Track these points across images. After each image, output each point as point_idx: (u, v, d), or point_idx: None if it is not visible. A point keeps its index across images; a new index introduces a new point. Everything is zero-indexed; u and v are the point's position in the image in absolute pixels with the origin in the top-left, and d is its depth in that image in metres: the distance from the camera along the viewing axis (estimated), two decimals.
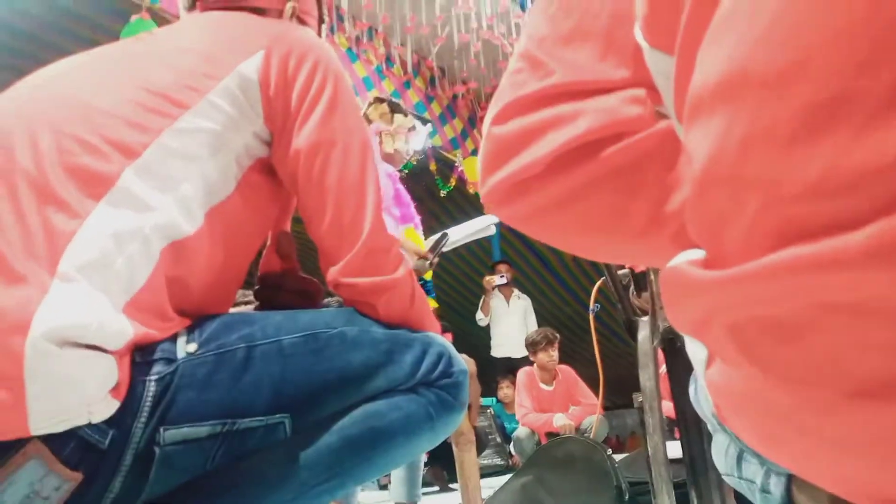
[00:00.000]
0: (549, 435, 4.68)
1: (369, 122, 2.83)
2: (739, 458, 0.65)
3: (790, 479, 0.55)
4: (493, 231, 2.54)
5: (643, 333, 1.51)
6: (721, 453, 0.69)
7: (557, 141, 0.47)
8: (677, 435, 2.37)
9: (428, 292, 2.74)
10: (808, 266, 0.30)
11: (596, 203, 0.48)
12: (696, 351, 0.45)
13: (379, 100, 2.90)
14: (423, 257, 2.40)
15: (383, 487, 5.41)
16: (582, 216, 0.49)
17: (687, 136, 0.38)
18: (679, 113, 0.42)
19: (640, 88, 0.48)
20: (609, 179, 0.47)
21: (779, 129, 0.31)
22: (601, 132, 0.47)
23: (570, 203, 0.48)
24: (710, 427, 0.74)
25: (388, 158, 2.81)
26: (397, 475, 2.59)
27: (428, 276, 2.65)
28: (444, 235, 2.43)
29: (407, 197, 2.81)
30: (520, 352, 5.79)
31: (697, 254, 0.43)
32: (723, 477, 0.71)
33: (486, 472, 4.66)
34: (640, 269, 1.77)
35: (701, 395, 0.66)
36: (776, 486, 0.57)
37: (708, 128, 0.35)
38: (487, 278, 6.06)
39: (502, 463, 5.53)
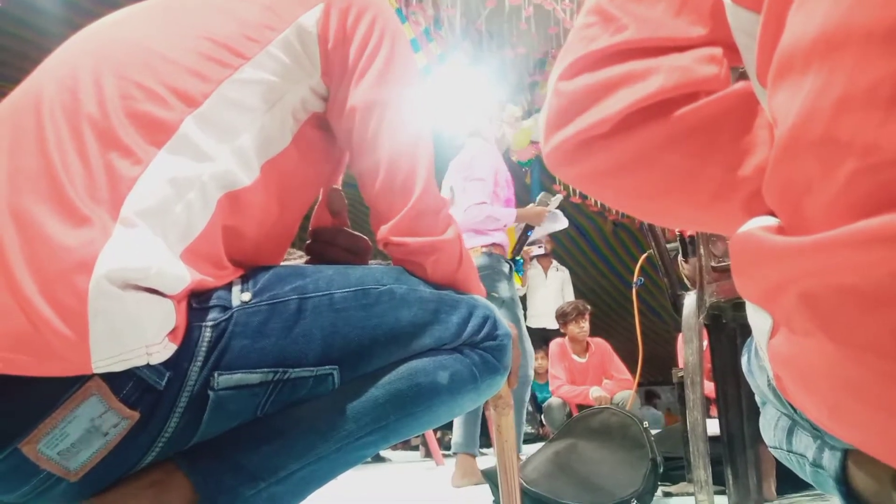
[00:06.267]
0: (581, 407, 4.70)
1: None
2: (790, 432, 0.64)
3: (846, 455, 0.54)
4: (565, 224, 2.97)
5: (689, 308, 1.49)
6: (770, 426, 0.68)
7: (628, 99, 0.46)
8: (712, 413, 2.35)
9: (518, 271, 3.07)
10: None
11: (665, 165, 0.47)
12: (759, 320, 0.44)
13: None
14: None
15: (414, 448, 5.52)
16: (649, 179, 0.48)
17: (773, 96, 0.37)
18: (762, 73, 0.40)
19: (717, 47, 0.47)
20: (681, 141, 0.46)
21: (881, 89, 0.29)
22: (674, 91, 0.45)
23: (638, 165, 0.47)
24: (758, 400, 0.73)
25: (496, 143, 3.13)
26: (459, 423, 2.72)
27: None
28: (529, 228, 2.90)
29: (511, 181, 3.15)
30: (555, 323, 5.79)
31: (770, 220, 0.41)
32: (770, 450, 0.70)
33: None
34: (688, 233, 1.74)
35: (755, 366, 0.65)
36: (830, 461, 0.56)
37: (799, 87, 0.34)
38: (525, 248, 6.03)
39: (533, 431, 5.58)
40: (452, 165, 3.08)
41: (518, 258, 3.14)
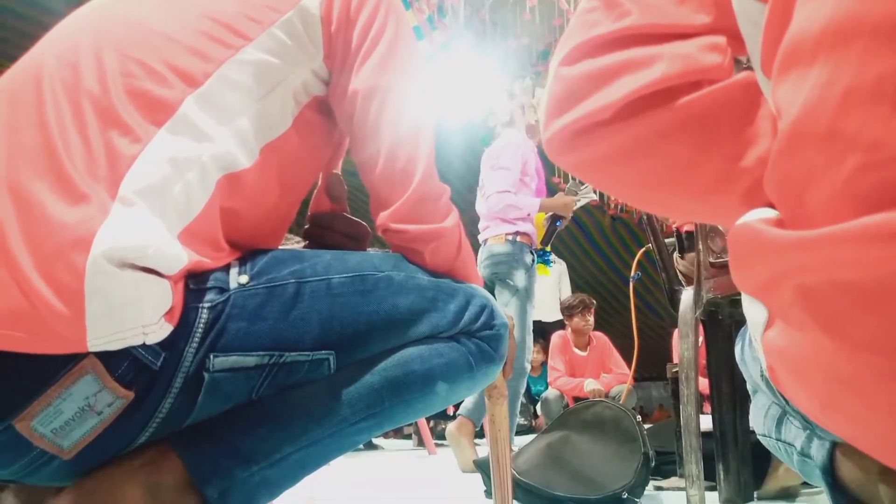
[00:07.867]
0: (578, 399, 4.72)
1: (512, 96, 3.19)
2: (780, 421, 0.64)
3: (834, 446, 0.55)
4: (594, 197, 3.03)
5: (685, 303, 1.49)
6: (761, 413, 0.68)
7: (630, 86, 0.45)
8: (705, 409, 2.35)
9: (547, 262, 3.09)
10: None
11: (666, 154, 0.46)
12: (755, 312, 0.44)
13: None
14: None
15: (406, 437, 5.54)
16: (650, 167, 0.48)
17: (777, 87, 0.36)
18: (766, 63, 0.40)
19: (720, 36, 0.46)
20: (682, 130, 0.45)
21: (888, 84, 0.29)
22: (677, 79, 0.45)
23: (639, 153, 0.47)
24: (749, 388, 0.73)
25: (529, 130, 3.13)
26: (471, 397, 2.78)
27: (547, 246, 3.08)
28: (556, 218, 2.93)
29: (542, 170, 3.14)
30: (551, 316, 5.80)
31: (770, 212, 0.41)
32: (759, 438, 0.70)
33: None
34: (685, 229, 1.73)
35: (748, 355, 0.65)
36: (818, 451, 0.56)
37: (805, 79, 0.33)
38: None
39: (526, 423, 5.60)
40: (485, 155, 3.12)
41: (547, 249, 3.16)
